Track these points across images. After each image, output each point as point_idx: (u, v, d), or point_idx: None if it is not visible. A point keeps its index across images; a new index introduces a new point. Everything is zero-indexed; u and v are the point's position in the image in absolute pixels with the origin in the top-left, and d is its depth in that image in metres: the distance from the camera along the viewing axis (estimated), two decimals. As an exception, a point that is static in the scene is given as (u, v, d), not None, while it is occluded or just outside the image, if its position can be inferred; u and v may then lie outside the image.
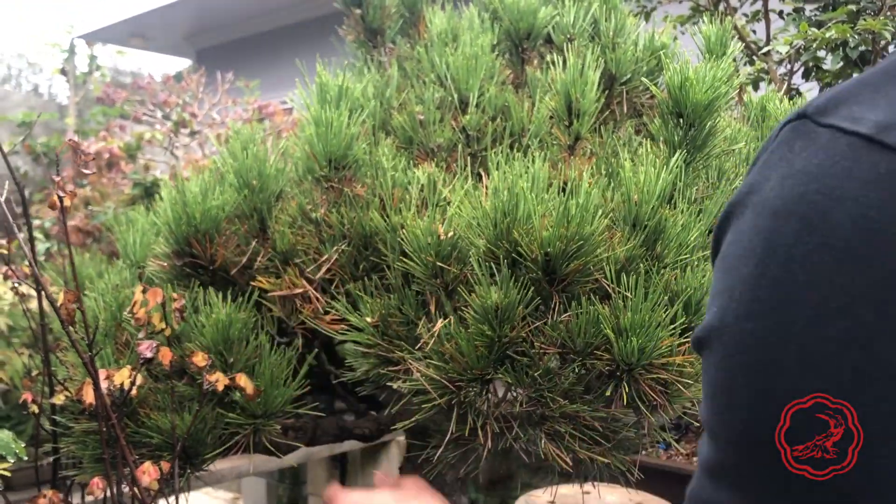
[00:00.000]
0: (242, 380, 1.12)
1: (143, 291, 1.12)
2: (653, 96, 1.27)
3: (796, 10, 2.33)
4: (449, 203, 1.13)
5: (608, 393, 1.04)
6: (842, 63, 2.10)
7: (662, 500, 1.92)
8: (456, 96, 1.31)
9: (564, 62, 1.21)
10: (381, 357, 1.12)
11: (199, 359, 1.09)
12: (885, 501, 0.41)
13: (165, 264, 1.31)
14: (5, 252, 1.23)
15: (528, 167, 1.05)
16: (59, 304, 1.07)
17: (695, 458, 2.17)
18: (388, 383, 1.12)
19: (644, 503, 1.92)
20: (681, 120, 1.12)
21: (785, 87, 2.20)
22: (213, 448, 1.16)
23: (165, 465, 1.09)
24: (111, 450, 1.09)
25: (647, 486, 1.56)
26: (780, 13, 2.43)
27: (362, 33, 1.56)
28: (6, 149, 1.11)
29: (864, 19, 1.96)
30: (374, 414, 1.42)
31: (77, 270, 1.15)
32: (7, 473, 1.20)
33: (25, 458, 1.21)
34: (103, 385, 1.06)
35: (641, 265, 1.04)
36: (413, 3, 1.56)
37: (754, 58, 2.37)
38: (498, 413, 1.08)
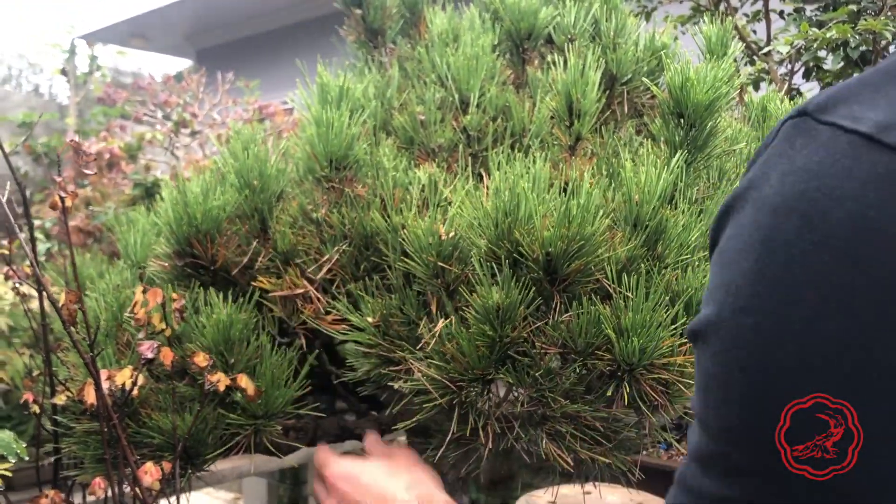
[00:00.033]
0: (243, 380, 1.12)
1: (144, 292, 1.12)
2: (654, 96, 1.27)
3: (797, 11, 2.33)
4: (450, 203, 1.13)
5: (609, 393, 1.04)
6: (842, 63, 2.10)
7: (663, 501, 1.92)
8: (457, 96, 1.31)
9: (565, 62, 1.21)
10: (382, 357, 1.12)
11: (201, 359, 1.09)
12: (886, 501, 0.41)
13: (166, 264, 1.31)
14: (6, 252, 1.23)
15: (529, 167, 1.05)
16: (60, 305, 1.07)
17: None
18: (390, 383, 1.12)
19: (645, 503, 1.92)
20: (682, 120, 1.12)
21: (786, 87, 2.20)
22: (214, 448, 1.16)
23: (167, 466, 1.09)
24: (112, 450, 1.09)
25: (648, 487, 1.55)
26: (781, 13, 2.43)
27: (363, 33, 1.56)
28: (7, 149, 1.12)
29: (865, 19, 1.96)
30: (375, 414, 1.42)
31: (78, 271, 1.15)
32: (8, 474, 1.21)
33: (26, 459, 1.21)
34: (105, 385, 1.06)
35: (642, 265, 1.04)
36: (414, 3, 1.56)
37: (755, 58, 2.37)
38: (499, 413, 1.08)
